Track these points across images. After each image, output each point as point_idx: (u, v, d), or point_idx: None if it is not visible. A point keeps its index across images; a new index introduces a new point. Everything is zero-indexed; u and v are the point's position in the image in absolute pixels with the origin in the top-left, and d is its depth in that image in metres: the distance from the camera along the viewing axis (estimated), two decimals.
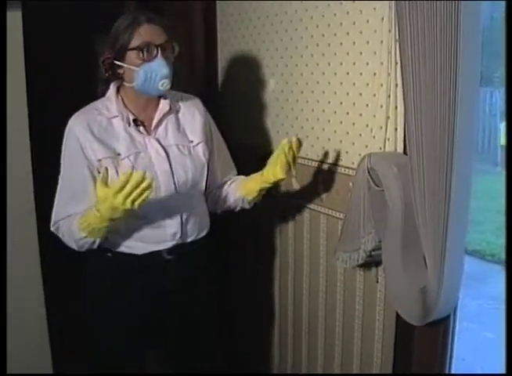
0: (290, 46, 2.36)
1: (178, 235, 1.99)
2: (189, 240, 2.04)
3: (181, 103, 2.08)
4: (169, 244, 1.99)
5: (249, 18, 2.60)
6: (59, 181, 1.96)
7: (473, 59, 1.56)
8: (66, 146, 1.93)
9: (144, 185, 1.68)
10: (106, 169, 1.78)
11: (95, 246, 1.92)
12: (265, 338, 2.80)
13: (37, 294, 2.71)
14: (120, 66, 1.90)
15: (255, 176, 2.10)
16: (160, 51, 1.87)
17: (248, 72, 2.65)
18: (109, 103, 1.96)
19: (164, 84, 1.89)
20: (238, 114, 2.77)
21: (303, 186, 2.36)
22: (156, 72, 1.87)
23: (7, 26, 2.23)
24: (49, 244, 2.11)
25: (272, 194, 2.34)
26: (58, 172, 1.96)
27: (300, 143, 2.00)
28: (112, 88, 1.98)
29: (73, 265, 2.06)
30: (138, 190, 1.68)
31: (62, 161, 1.95)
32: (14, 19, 2.38)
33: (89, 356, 2.10)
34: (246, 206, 2.19)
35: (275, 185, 2.11)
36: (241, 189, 2.14)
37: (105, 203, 1.74)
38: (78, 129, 1.90)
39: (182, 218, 1.99)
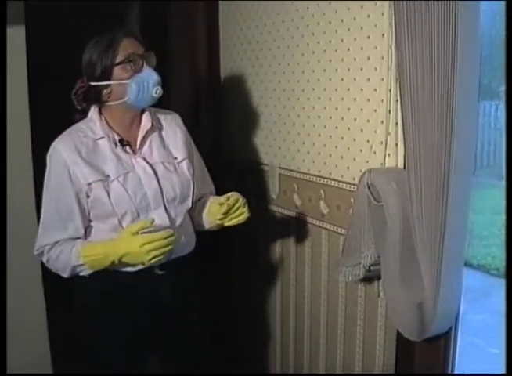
0: (291, 62, 2.38)
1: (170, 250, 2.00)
2: (180, 254, 2.04)
3: (163, 121, 2.09)
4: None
5: (251, 18, 2.63)
6: (43, 204, 1.95)
7: (471, 74, 1.58)
8: (52, 169, 1.92)
9: (169, 246, 1.81)
10: (152, 221, 1.84)
11: (86, 273, 1.93)
12: (266, 352, 2.80)
13: (36, 295, 2.74)
14: (105, 87, 1.90)
15: (208, 208, 2.13)
16: (145, 61, 1.90)
17: (250, 87, 2.67)
18: (93, 125, 1.95)
19: (157, 91, 1.92)
20: (239, 129, 2.79)
21: (304, 200, 2.37)
22: (147, 80, 1.89)
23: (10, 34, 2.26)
24: None
25: (272, 209, 2.35)
26: None
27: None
28: (93, 110, 1.98)
29: None
30: (166, 248, 1.80)
31: (45, 184, 1.94)
32: (17, 34, 2.41)
33: (88, 367, 2.11)
34: (212, 229, 2.17)
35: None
36: (205, 216, 2.15)
37: (128, 245, 1.82)
38: (66, 152, 1.89)
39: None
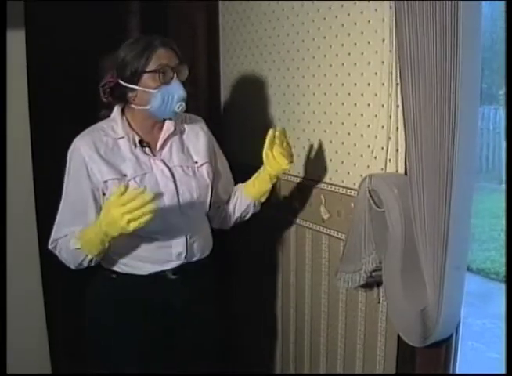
0: (291, 66, 2.38)
1: (184, 255, 2.00)
2: (194, 259, 2.04)
3: (185, 124, 2.10)
4: (174, 264, 1.99)
5: (251, 22, 2.63)
6: (62, 200, 1.95)
7: (473, 79, 1.57)
8: (71, 166, 1.93)
9: (148, 208, 1.68)
10: (126, 186, 1.75)
11: (92, 263, 1.91)
12: (267, 358, 2.79)
13: (36, 296, 2.74)
14: (131, 90, 1.90)
15: (259, 177, 2.13)
16: (175, 74, 1.89)
17: (251, 91, 2.67)
18: (115, 125, 1.97)
19: (180, 107, 1.91)
20: (240, 134, 2.78)
21: (305, 206, 2.37)
22: (173, 94, 1.88)
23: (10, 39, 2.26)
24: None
25: (273, 214, 2.34)
26: (58, 185, 1.96)
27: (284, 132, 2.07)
28: (116, 109, 1.99)
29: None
30: (140, 211, 1.68)
31: (65, 180, 1.95)
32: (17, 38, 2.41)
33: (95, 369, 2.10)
34: (258, 209, 2.22)
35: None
36: (251, 195, 2.16)
37: (106, 214, 1.74)
38: (85, 149, 1.90)
39: (187, 238, 1.99)
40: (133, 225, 1.70)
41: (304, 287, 2.45)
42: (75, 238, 1.86)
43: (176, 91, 1.88)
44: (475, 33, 1.55)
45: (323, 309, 2.36)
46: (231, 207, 2.21)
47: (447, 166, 1.58)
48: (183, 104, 1.91)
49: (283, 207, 2.48)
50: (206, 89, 2.91)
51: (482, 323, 4.00)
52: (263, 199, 2.18)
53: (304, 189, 2.38)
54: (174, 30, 2.80)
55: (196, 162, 2.05)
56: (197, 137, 2.10)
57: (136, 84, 1.89)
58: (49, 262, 1.98)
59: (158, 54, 1.87)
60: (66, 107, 2.51)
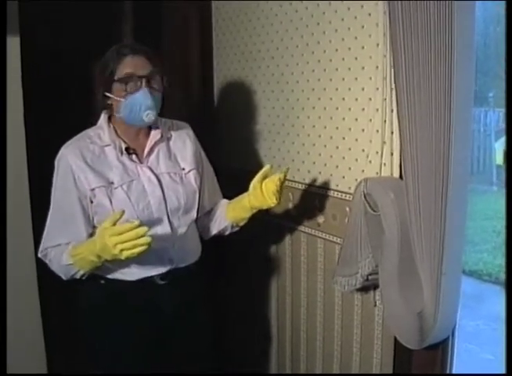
0: (286, 71, 2.39)
1: (172, 260, 2.00)
2: (182, 265, 2.04)
3: (172, 131, 2.10)
4: (162, 270, 2.00)
5: (248, 19, 2.63)
6: (50, 208, 1.96)
7: (467, 82, 1.58)
8: (58, 175, 1.94)
9: (141, 241, 1.69)
10: (123, 212, 1.76)
11: (83, 276, 1.92)
12: (263, 361, 2.79)
13: (32, 296, 2.75)
14: (108, 98, 1.92)
15: (241, 202, 2.11)
16: (144, 82, 1.87)
17: (245, 95, 2.67)
18: (102, 132, 1.98)
19: (148, 116, 1.89)
20: (233, 138, 2.79)
21: (300, 210, 2.37)
22: (139, 104, 1.87)
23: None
24: None
25: (268, 219, 2.35)
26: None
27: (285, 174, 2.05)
28: (103, 116, 2.00)
29: None
30: (132, 242, 1.69)
31: (53, 188, 1.96)
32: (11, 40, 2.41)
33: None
34: (235, 230, 2.22)
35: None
36: (229, 217, 2.16)
37: (101, 240, 1.75)
38: (71, 158, 1.91)
39: (174, 244, 2.00)
40: (126, 254, 1.72)
41: (300, 290, 2.46)
42: (67, 254, 1.87)
43: (143, 100, 1.87)
44: (469, 36, 1.56)
45: (319, 312, 2.36)
46: (211, 222, 2.21)
47: (442, 169, 1.59)
48: (151, 113, 1.89)
49: (278, 212, 2.48)
50: (199, 93, 2.91)
51: (476, 324, 4.01)
52: (241, 224, 2.18)
53: (299, 194, 2.38)
54: (168, 34, 2.80)
55: (183, 169, 2.06)
56: (184, 144, 2.11)
57: (109, 93, 1.91)
58: (45, 262, 1.98)
59: (125, 62, 1.87)
60: (62, 109, 2.51)
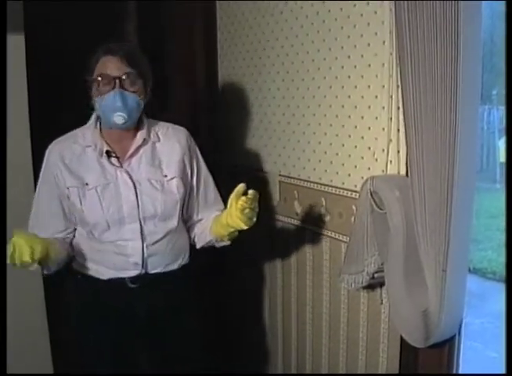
0: (291, 69, 2.39)
1: (139, 265, 1.99)
2: (154, 271, 2.02)
3: (162, 136, 2.06)
4: (131, 273, 2.00)
5: (251, 19, 2.63)
6: (33, 204, 2.03)
7: (474, 79, 1.58)
8: (43, 170, 2.00)
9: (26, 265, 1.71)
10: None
11: (49, 271, 1.93)
12: (268, 360, 2.79)
13: (37, 294, 2.77)
14: (90, 97, 1.94)
15: (221, 218, 1.99)
16: (117, 83, 1.86)
17: (250, 94, 2.67)
18: (87, 132, 1.99)
19: (118, 118, 1.87)
20: (238, 137, 2.78)
21: (305, 208, 2.37)
22: (108, 105, 1.87)
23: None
24: None
25: (274, 217, 2.35)
26: None
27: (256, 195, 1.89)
28: (94, 116, 2.00)
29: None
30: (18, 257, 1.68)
31: (38, 185, 2.03)
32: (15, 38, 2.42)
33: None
34: (222, 244, 2.13)
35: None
36: (212, 232, 2.09)
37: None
38: (54, 155, 1.97)
39: (143, 250, 1.99)
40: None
41: (306, 288, 2.46)
42: None
43: (112, 102, 1.86)
44: (475, 34, 1.56)
45: (325, 310, 2.36)
46: (200, 233, 2.17)
47: (448, 167, 1.59)
48: (122, 115, 1.87)
49: (283, 210, 2.48)
50: (204, 93, 2.92)
51: (480, 322, 4.01)
52: (225, 240, 2.08)
53: (304, 192, 2.38)
54: (172, 33, 2.80)
55: (166, 176, 2.02)
56: (172, 150, 2.06)
57: (89, 92, 1.92)
58: None
59: (101, 62, 1.88)
60: (66, 107, 2.51)
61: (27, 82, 2.53)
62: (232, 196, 1.89)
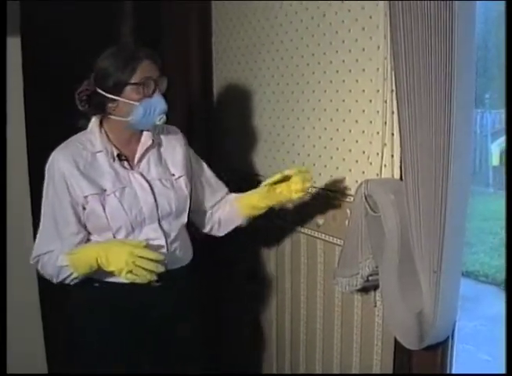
0: (285, 72, 2.40)
1: (165, 264, 1.98)
2: (174, 267, 2.03)
3: (162, 136, 2.11)
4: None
5: (248, 21, 2.63)
6: (42, 215, 1.97)
7: (468, 83, 1.58)
8: (50, 180, 1.94)
9: (149, 276, 1.80)
10: (146, 244, 1.86)
11: (75, 281, 1.93)
12: (262, 363, 2.79)
13: (32, 296, 2.78)
14: (112, 101, 1.91)
15: (260, 193, 2.15)
16: (157, 86, 1.91)
17: (245, 97, 2.68)
18: (93, 137, 1.97)
19: (161, 119, 1.94)
20: (233, 140, 2.79)
21: (300, 211, 2.38)
22: (155, 107, 1.91)
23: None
24: None
25: (268, 220, 2.35)
26: None
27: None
28: (94, 121, 1.99)
29: None
30: (141, 271, 1.77)
31: (44, 194, 1.96)
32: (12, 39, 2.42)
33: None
34: (244, 224, 2.25)
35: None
36: (244, 208, 2.19)
37: (113, 251, 1.81)
38: (64, 164, 1.91)
39: (167, 246, 2.01)
40: (127, 276, 1.79)
41: (300, 291, 2.46)
42: (65, 255, 1.88)
43: (158, 104, 1.92)
44: (470, 38, 1.57)
45: (319, 313, 2.37)
46: (224, 219, 2.25)
47: (442, 171, 1.60)
48: (164, 117, 1.94)
49: (277, 213, 2.49)
50: (198, 94, 2.92)
51: (473, 325, 4.02)
52: (255, 215, 2.22)
53: None
54: (167, 34, 2.81)
55: (173, 175, 2.07)
56: (174, 150, 2.12)
57: (118, 96, 1.90)
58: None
59: (143, 66, 1.89)
60: (63, 108, 2.51)
61: (23, 83, 2.53)
62: (270, 181, 2.10)
